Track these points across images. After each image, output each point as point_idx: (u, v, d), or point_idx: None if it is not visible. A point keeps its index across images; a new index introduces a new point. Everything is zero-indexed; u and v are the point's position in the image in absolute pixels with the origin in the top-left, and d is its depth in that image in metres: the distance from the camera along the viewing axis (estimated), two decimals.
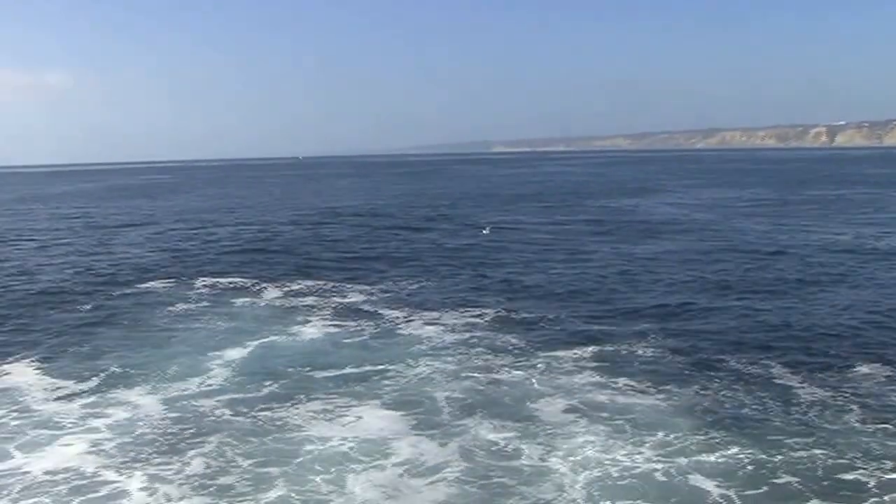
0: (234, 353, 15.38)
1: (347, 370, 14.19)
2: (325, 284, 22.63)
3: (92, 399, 12.99)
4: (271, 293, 21.49)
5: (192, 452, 10.67)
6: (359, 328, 17.39)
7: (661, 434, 10.85)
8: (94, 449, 10.90)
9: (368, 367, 14.30)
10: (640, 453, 10.25)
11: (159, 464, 10.37)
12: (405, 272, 24.99)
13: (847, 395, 12.37)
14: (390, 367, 14.28)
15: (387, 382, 13.48)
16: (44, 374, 14.40)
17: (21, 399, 13.04)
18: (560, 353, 14.97)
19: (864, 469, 9.69)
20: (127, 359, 15.23)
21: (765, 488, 9.30)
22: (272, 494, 9.39)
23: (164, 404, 12.67)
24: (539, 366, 14.25)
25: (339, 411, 12.11)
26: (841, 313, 17.95)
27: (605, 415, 11.65)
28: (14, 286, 23.82)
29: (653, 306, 19.16)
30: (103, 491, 9.65)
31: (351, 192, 76.05)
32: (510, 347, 15.55)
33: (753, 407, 11.96)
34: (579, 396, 12.49)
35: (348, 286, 22.32)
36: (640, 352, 15.09)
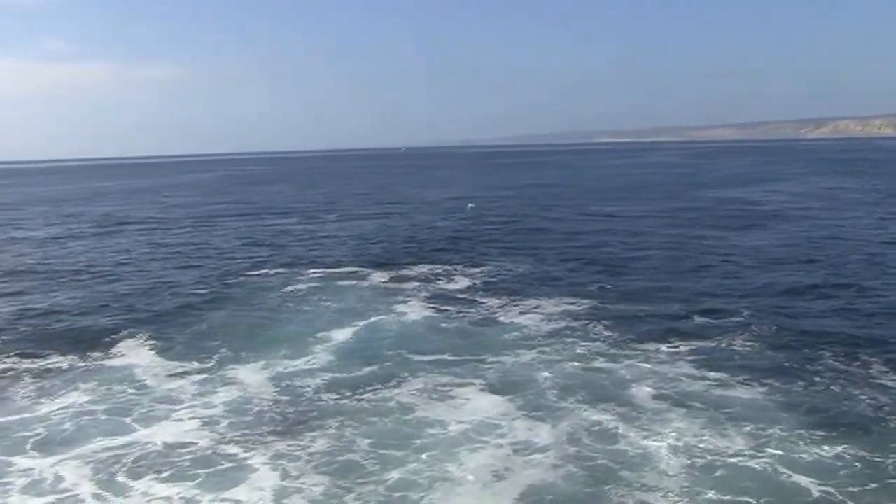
0: (341, 335, 16.03)
1: (448, 354, 14.56)
2: (432, 270, 23.35)
3: (204, 377, 13.72)
4: (378, 277, 22.27)
5: (307, 430, 11.15)
6: (459, 313, 17.85)
7: (758, 427, 10.75)
8: (208, 424, 11.49)
9: (469, 351, 14.68)
10: (736, 445, 10.21)
11: (276, 441, 10.80)
12: (510, 259, 25.48)
13: None
14: (490, 352, 14.62)
15: (487, 366, 13.83)
16: (158, 355, 15.15)
17: (138, 377, 13.80)
18: (657, 342, 15.01)
19: None
20: (237, 340, 15.91)
21: (872, 486, 9.07)
22: (394, 475, 9.62)
23: (275, 383, 13.26)
24: (636, 354, 14.33)
25: (444, 393, 12.51)
26: None
27: (701, 405, 11.64)
28: (133, 272, 25.23)
29: (754, 297, 18.82)
30: (224, 465, 10.14)
31: (460, 182, 76.23)
32: (607, 335, 15.67)
33: (859, 405, 11.60)
34: (676, 386, 12.52)
35: (455, 271, 23.13)
36: (738, 344, 14.87)
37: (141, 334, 16.48)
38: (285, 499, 9.21)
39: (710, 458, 9.84)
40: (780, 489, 9.08)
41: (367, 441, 10.72)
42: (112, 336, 16.42)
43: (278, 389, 12.97)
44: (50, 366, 14.53)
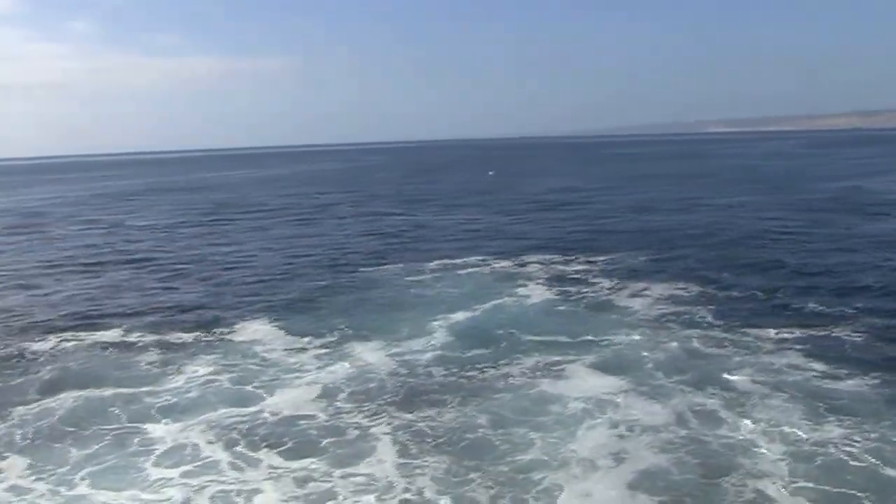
0: (461, 317, 16.51)
1: (563, 336, 14.89)
2: (552, 258, 23.49)
3: (325, 352, 14.39)
4: (497, 266, 22.62)
5: (427, 405, 11.59)
6: (574, 296, 18.24)
7: (862, 421, 10.50)
8: (329, 396, 12.08)
9: (582, 332, 15.05)
10: (838, 437, 10.05)
11: (396, 415, 11.28)
12: (630, 247, 25.47)
13: None
14: (602, 333, 15.01)
15: (599, 347, 14.21)
16: (280, 332, 15.89)
17: (261, 353, 14.52)
18: (765, 328, 14.92)
19: None
20: (358, 322, 16.43)
21: None
22: (514, 453, 9.94)
23: (395, 360, 13.78)
24: (743, 339, 14.32)
25: (558, 372, 12.92)
26: None
27: (805, 394, 11.51)
28: (252, 261, 26.07)
29: (869, 289, 18.19)
30: (344, 437, 10.64)
31: (575, 175, 74.84)
32: (715, 320, 15.74)
33: None
34: (780, 373, 12.44)
35: (575, 259, 23.33)
36: (848, 334, 14.47)
37: (263, 317, 17.17)
38: (408, 474, 9.50)
39: (810, 448, 9.77)
40: (883, 485, 8.87)
41: (486, 417, 11.09)
42: (235, 318, 17.18)
43: (398, 366, 13.46)
44: (175, 342, 15.47)
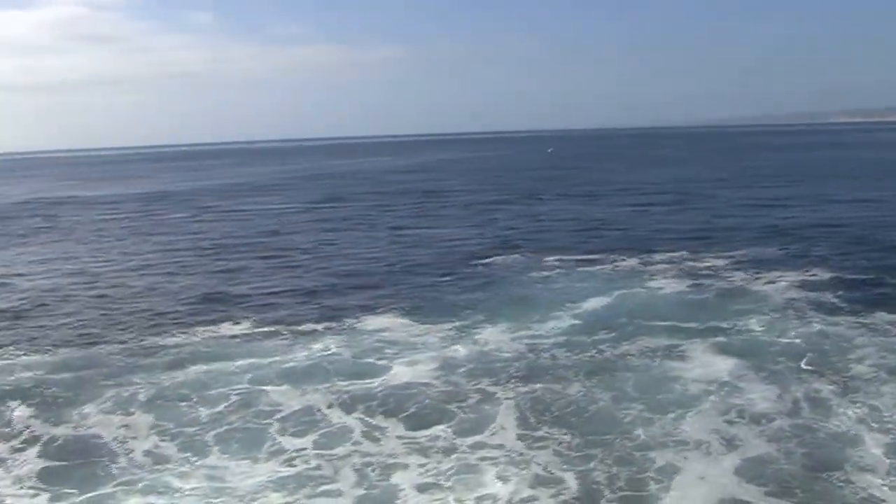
0: (588, 305, 16.69)
1: (692, 322, 15.19)
2: (679, 254, 23.15)
3: (448, 334, 14.85)
4: (622, 256, 22.69)
5: (552, 381, 12.09)
6: (704, 286, 18.38)
7: None
8: (451, 372, 12.61)
9: (709, 318, 15.37)
10: None
11: (521, 387, 11.85)
12: (763, 242, 25.08)
13: None
14: (727, 320, 15.27)
15: (725, 333, 14.49)
16: (408, 318, 16.31)
17: (384, 335, 15.03)
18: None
19: None
20: (481, 308, 16.81)
21: None
22: (634, 431, 10.33)
23: (519, 342, 14.15)
24: (874, 328, 14.35)
25: (682, 354, 13.32)
26: None
27: None
28: (385, 247, 27.09)
29: None
30: (467, 413, 11.12)
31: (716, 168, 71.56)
32: (846, 307, 15.86)
33: None
34: None
35: (707, 251, 23.27)
36: None
37: (387, 306, 17.54)
38: (531, 447, 9.99)
39: None
40: None
41: (608, 394, 11.57)
42: (359, 307, 17.68)
43: (522, 347, 13.86)
44: (300, 329, 15.79)
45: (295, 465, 9.76)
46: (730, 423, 10.61)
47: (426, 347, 14.14)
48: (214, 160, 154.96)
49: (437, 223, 34.12)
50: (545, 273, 21.03)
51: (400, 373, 12.80)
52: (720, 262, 21.41)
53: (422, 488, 9.08)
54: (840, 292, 16.97)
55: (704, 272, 20.10)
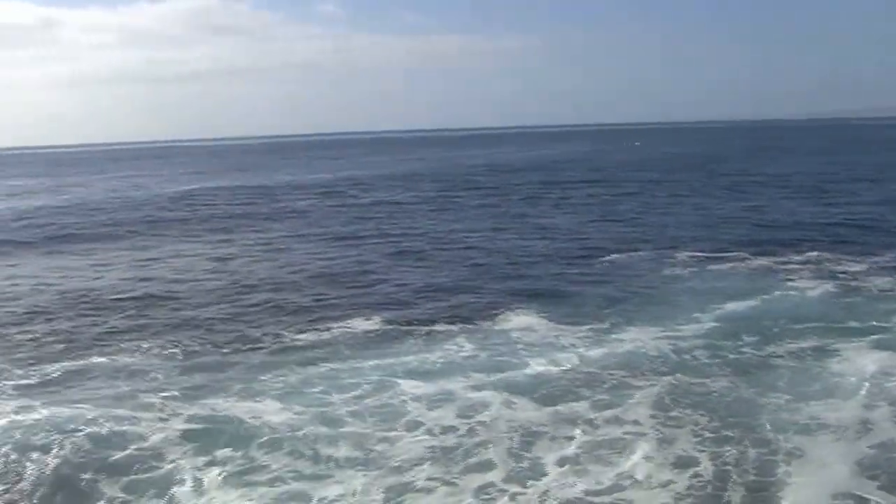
0: (729, 307, 16.44)
1: (839, 323, 15.05)
2: (819, 255, 22.35)
3: (585, 335, 14.86)
4: (759, 261, 21.91)
5: (693, 374, 12.38)
6: (850, 290, 17.93)
7: None
8: (589, 369, 12.81)
9: (862, 319, 15.20)
10: None
11: (662, 378, 12.20)
12: None
13: None
14: (883, 320, 15.13)
15: (880, 331, 14.45)
16: (541, 318, 16.28)
17: (520, 336, 15.03)
18: None
19: None
20: (618, 309, 16.74)
21: None
22: (777, 418, 10.57)
23: (660, 342, 14.17)
24: None
25: (832, 351, 13.34)
26: None
27: None
28: (511, 242, 27.24)
29: None
30: (608, 386, 11.88)
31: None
32: None
33: None
34: None
35: (845, 258, 22.04)
36: None
37: (520, 305, 17.48)
38: (667, 428, 10.41)
39: None
40: None
41: (753, 388, 11.74)
42: (489, 303, 17.83)
43: (664, 346, 13.89)
44: (435, 327, 15.93)
45: (441, 439, 10.32)
46: (851, 427, 10.44)
47: (565, 348, 14.18)
48: (339, 150, 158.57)
49: (562, 218, 34.07)
50: (677, 271, 20.89)
51: (539, 368, 13.06)
52: (861, 265, 20.73)
53: (562, 462, 9.61)
54: None
55: (843, 274, 19.55)
